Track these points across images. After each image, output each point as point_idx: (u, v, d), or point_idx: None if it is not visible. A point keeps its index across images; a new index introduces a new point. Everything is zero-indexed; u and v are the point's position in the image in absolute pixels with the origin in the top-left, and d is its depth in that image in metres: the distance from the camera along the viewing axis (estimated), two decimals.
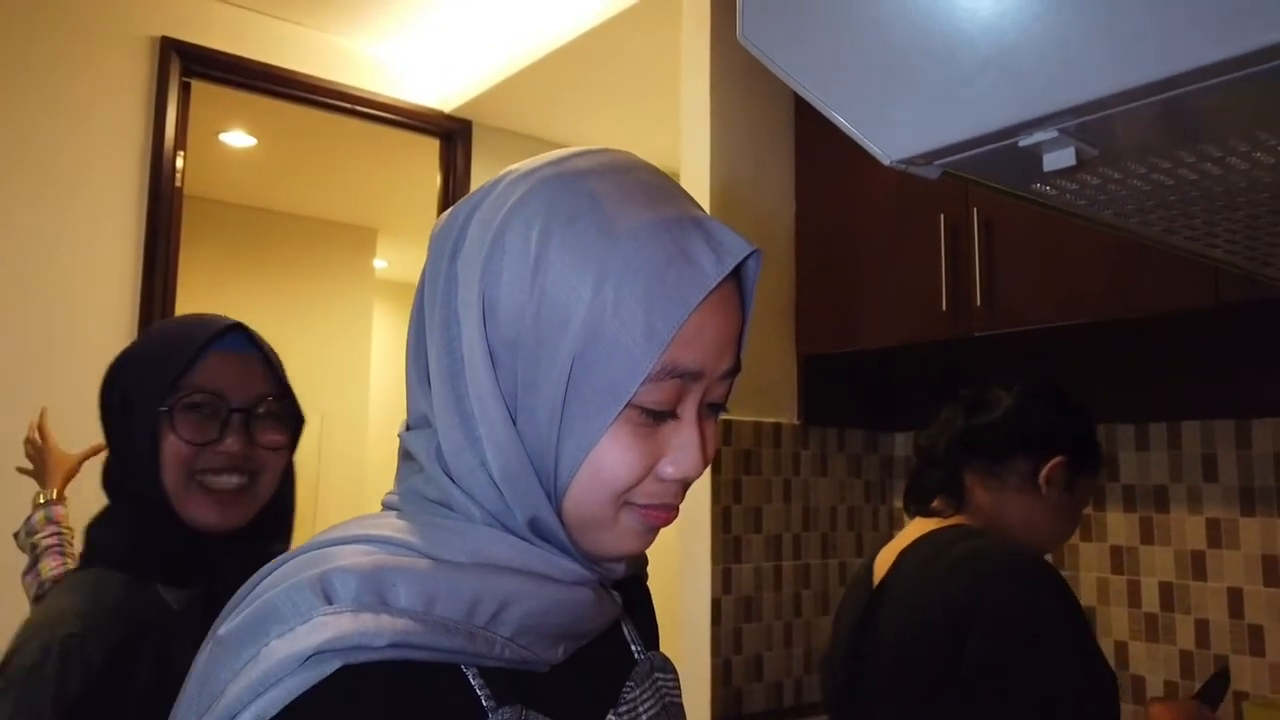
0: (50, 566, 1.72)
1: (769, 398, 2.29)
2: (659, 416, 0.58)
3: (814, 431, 2.38)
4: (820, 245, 2.31)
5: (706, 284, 0.56)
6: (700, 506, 2.16)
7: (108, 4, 2.76)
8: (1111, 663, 2.05)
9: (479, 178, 3.45)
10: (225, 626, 0.53)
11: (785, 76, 0.52)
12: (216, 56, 2.92)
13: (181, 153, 2.86)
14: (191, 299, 3.10)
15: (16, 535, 1.76)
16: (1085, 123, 0.41)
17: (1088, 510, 2.03)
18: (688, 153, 2.28)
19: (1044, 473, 1.34)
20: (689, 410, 0.59)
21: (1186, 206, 0.53)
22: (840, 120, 0.48)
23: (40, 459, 1.86)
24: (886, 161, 0.48)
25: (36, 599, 1.67)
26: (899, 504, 2.55)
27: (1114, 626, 2.07)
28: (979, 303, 1.91)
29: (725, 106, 2.26)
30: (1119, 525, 2.08)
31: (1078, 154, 0.43)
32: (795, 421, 2.33)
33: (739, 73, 2.29)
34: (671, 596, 2.16)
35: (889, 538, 2.54)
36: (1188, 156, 0.46)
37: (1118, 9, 0.37)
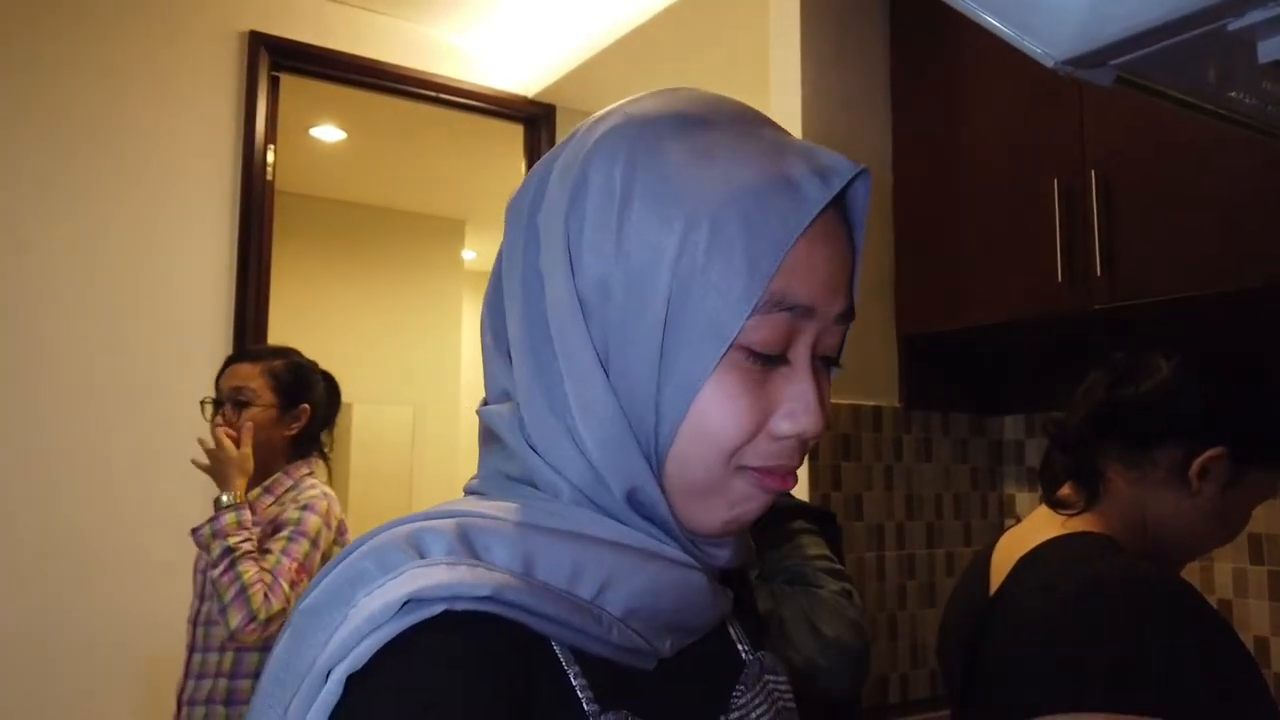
0: (252, 573, 1.74)
1: (868, 380, 2.18)
2: (769, 361, 0.51)
3: (916, 415, 2.26)
4: (921, 216, 2.19)
5: (811, 208, 0.49)
6: (797, 493, 2.07)
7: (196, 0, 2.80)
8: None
9: None
10: (304, 602, 0.48)
11: None
12: (304, 49, 2.94)
13: (272, 146, 2.89)
14: (285, 293, 3.14)
15: (197, 531, 1.80)
16: None
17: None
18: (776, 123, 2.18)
19: (1196, 465, 1.09)
20: (801, 355, 0.52)
21: None
22: (990, 21, 0.40)
23: (220, 460, 1.86)
24: (1050, 63, 0.39)
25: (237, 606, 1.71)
26: (1010, 491, 2.41)
27: (1253, 621, 1.91)
28: (1099, 273, 1.76)
29: (816, 73, 2.16)
30: (1258, 511, 1.90)
31: None
32: (896, 405, 2.22)
33: (830, 38, 2.18)
34: None
35: (1000, 526, 2.41)
36: None
37: None
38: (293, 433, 1.99)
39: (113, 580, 2.54)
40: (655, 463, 0.51)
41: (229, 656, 1.83)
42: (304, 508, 1.88)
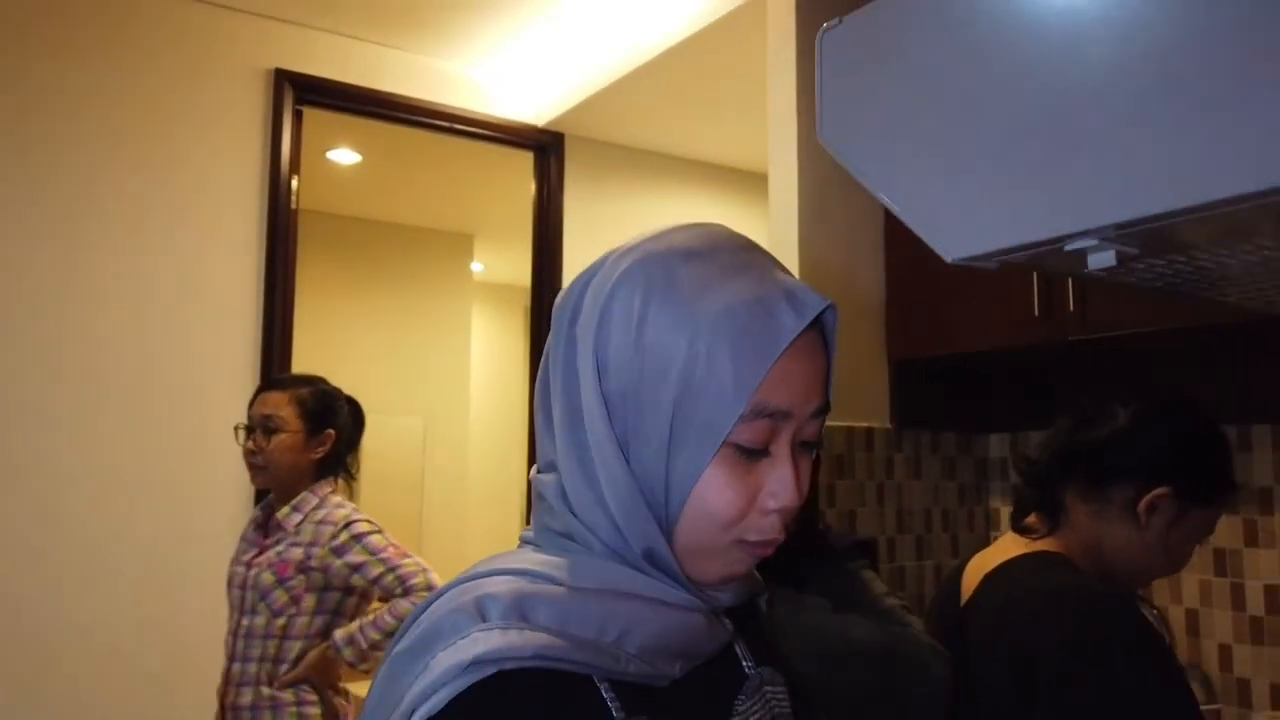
0: (404, 605, 2.04)
1: (861, 402, 2.32)
2: (753, 454, 0.65)
3: (907, 435, 2.40)
4: (911, 248, 2.30)
5: (786, 336, 0.64)
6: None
7: (225, 40, 2.96)
8: (1215, 666, 2.03)
9: (571, 186, 3.56)
10: (398, 647, 0.64)
11: (859, 176, 0.58)
12: (325, 85, 3.09)
13: (296, 176, 3.04)
14: (302, 305, 3.28)
15: (363, 656, 2.06)
16: (1128, 232, 0.45)
17: None
18: (775, 156, 2.32)
19: (1144, 502, 1.25)
20: (781, 447, 0.66)
21: (1233, 282, 0.56)
22: (907, 220, 0.54)
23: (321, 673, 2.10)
24: (948, 259, 0.54)
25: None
26: (995, 505, 2.55)
27: (1217, 629, 2.05)
28: (1072, 307, 1.91)
29: (811, 110, 2.28)
30: (1222, 527, 2.04)
31: (1119, 256, 0.47)
32: (888, 425, 2.36)
33: None
34: None
35: (986, 539, 2.55)
36: (1227, 255, 0.50)
37: (1166, 131, 0.41)
38: (318, 456, 2.15)
39: (134, 590, 2.69)
40: (667, 529, 0.67)
41: (266, 666, 2.01)
42: (345, 525, 2.08)
